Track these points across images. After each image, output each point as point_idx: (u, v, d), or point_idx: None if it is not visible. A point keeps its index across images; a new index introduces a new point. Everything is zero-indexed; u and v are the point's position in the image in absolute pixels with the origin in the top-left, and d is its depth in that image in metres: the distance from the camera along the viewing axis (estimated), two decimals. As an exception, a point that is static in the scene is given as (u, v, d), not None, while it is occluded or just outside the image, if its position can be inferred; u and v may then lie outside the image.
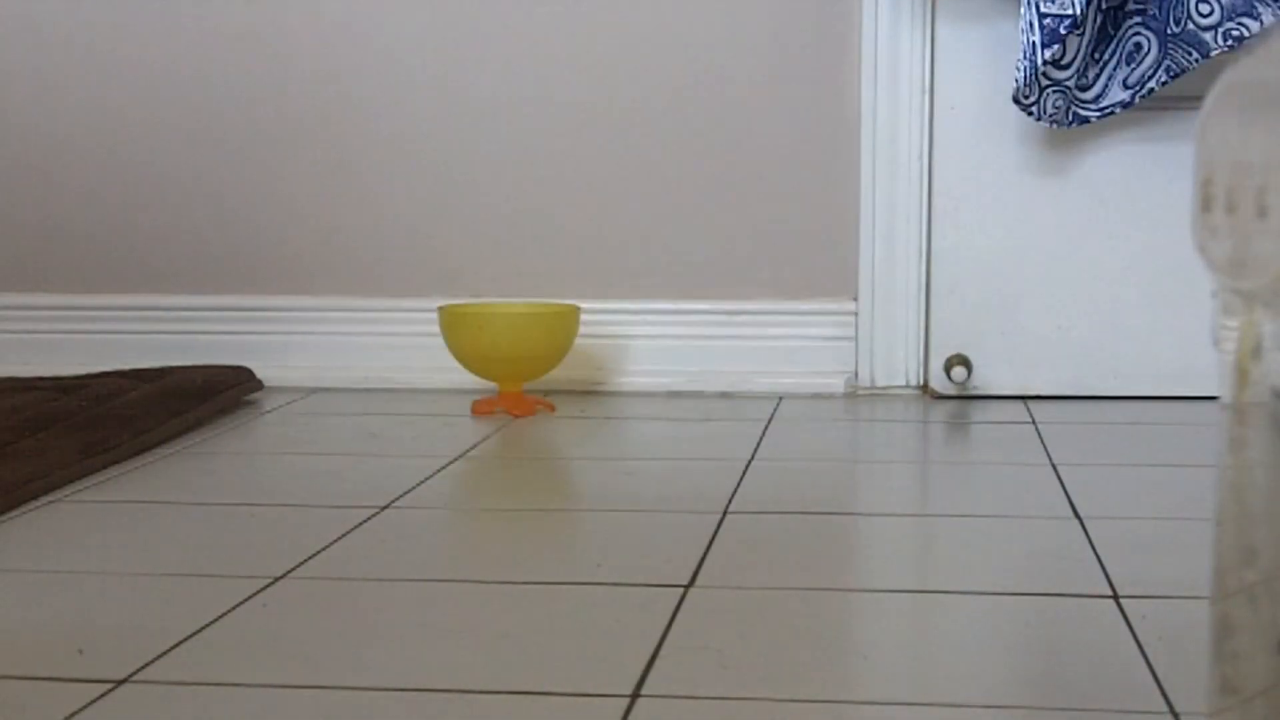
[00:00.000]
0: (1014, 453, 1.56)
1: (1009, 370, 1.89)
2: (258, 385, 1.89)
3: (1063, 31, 1.68)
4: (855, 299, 1.92)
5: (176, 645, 0.95)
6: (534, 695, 0.86)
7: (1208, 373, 1.86)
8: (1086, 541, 1.19)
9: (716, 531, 1.22)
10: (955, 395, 1.89)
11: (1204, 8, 1.68)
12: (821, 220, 1.92)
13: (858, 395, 1.91)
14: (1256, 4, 1.66)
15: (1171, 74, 1.73)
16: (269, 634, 0.97)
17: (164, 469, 1.49)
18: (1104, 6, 1.74)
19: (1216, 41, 1.68)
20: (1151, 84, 1.75)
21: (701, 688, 0.87)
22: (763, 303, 1.94)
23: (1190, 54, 1.71)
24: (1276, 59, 0.49)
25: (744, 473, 1.45)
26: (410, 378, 1.96)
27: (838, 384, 1.92)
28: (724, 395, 1.92)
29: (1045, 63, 1.70)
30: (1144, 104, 1.79)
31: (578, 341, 1.84)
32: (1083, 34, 1.73)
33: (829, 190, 1.92)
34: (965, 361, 1.88)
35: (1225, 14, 1.67)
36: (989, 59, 1.85)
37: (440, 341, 1.82)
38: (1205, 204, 0.51)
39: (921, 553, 1.21)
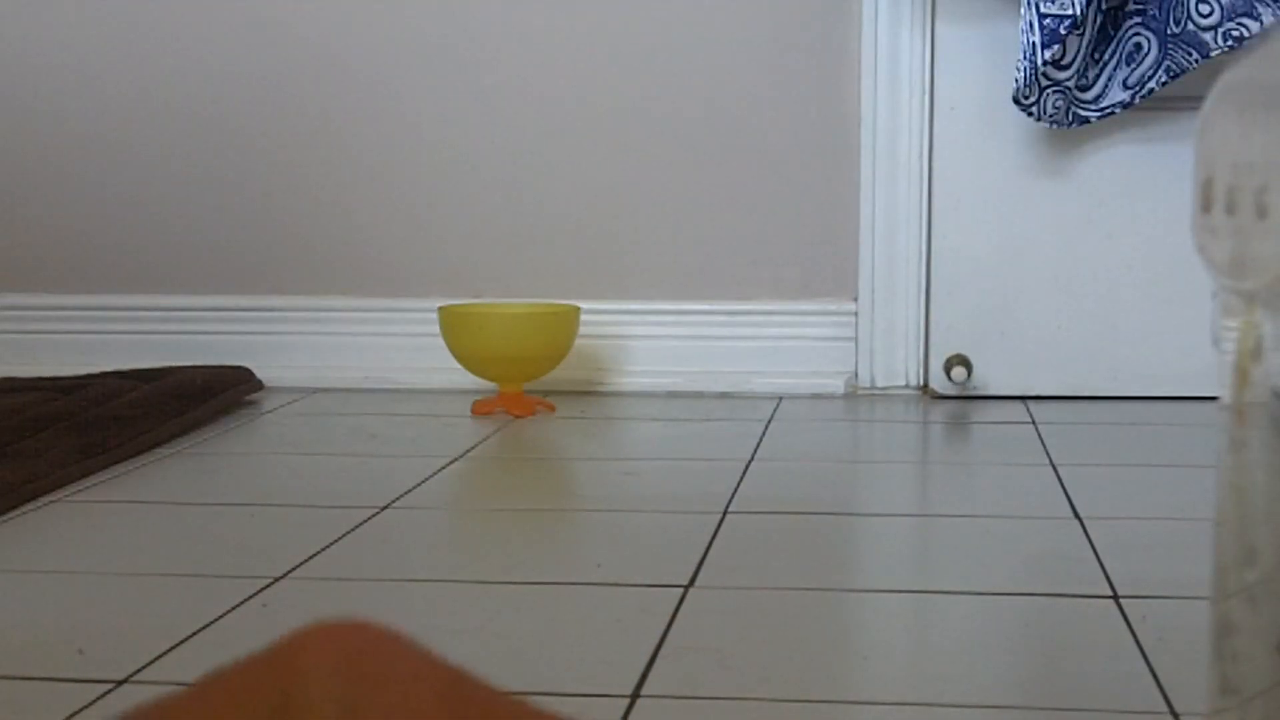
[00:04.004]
0: (1014, 453, 1.56)
1: (1009, 370, 1.89)
2: (258, 385, 1.89)
3: (1063, 32, 1.68)
4: (855, 299, 1.92)
5: (176, 645, 0.95)
6: (534, 695, 0.86)
7: (1208, 373, 1.86)
8: (1086, 541, 1.19)
9: (716, 531, 1.23)
10: (955, 395, 1.89)
11: (1204, 8, 1.68)
12: (821, 220, 1.93)
13: (858, 396, 1.91)
14: (1256, 4, 1.66)
15: (1171, 74, 1.73)
16: (269, 634, 0.97)
17: (164, 469, 1.49)
18: (1104, 7, 1.74)
19: (1216, 42, 1.68)
20: (1151, 84, 1.75)
21: (701, 688, 0.87)
22: (763, 303, 1.94)
23: (1190, 54, 1.71)
24: (1276, 59, 0.49)
25: (744, 473, 1.45)
26: (410, 378, 1.96)
27: (838, 384, 1.92)
28: (724, 395, 1.92)
29: (1045, 63, 1.70)
30: (1144, 104, 1.79)
31: (578, 341, 1.84)
32: (1083, 34, 1.73)
33: (829, 190, 1.92)
34: (965, 362, 1.88)
35: (1225, 14, 1.67)
36: (989, 59, 1.85)
37: (440, 341, 1.82)
38: (1205, 204, 0.51)
39: (921, 553, 1.21)
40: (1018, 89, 1.73)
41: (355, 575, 1.11)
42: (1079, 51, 1.74)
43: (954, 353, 1.89)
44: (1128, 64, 1.76)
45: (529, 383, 1.81)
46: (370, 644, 0.33)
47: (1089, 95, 1.78)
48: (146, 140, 2.01)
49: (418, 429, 1.70)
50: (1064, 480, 1.41)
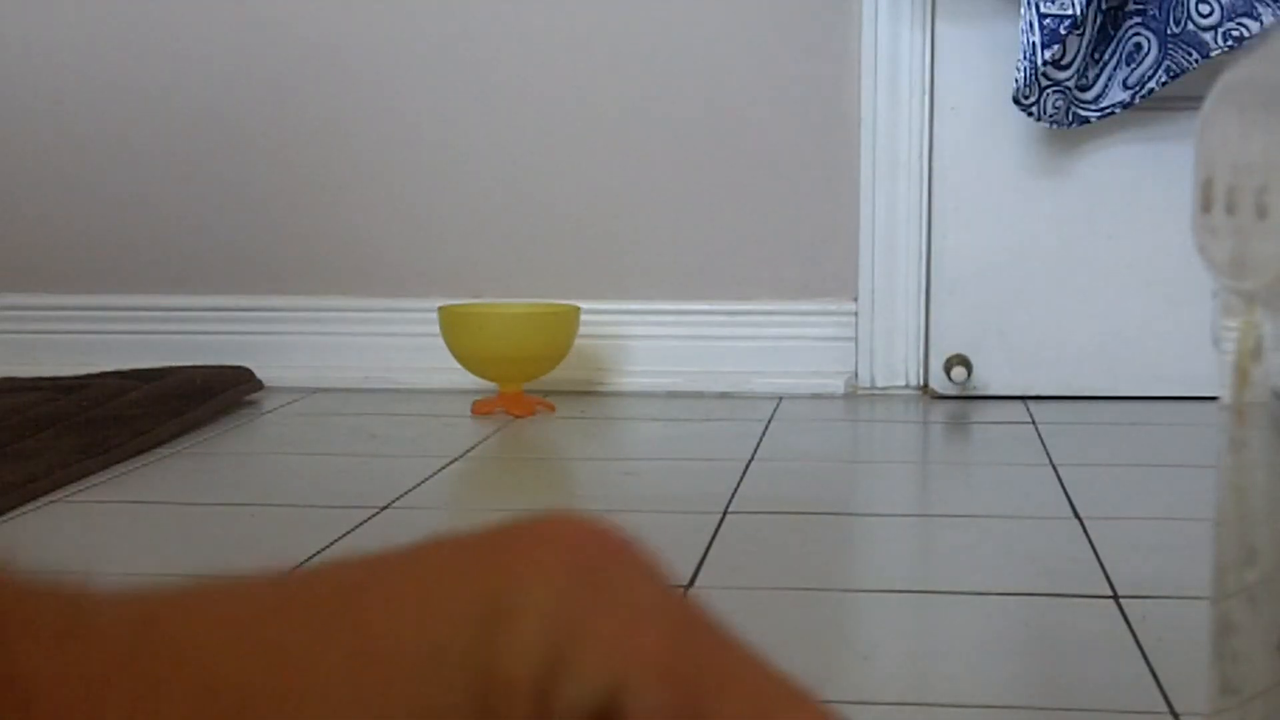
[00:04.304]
0: (1014, 453, 1.56)
1: (1009, 370, 1.89)
2: (258, 385, 1.89)
3: (1063, 32, 1.68)
4: (855, 299, 1.92)
5: (176, 645, 0.94)
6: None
7: (1208, 373, 1.85)
8: (1086, 541, 1.19)
9: (716, 531, 1.22)
10: (955, 395, 1.89)
11: (1204, 8, 1.68)
12: (821, 220, 1.92)
13: (858, 395, 1.91)
14: (1256, 4, 1.66)
15: (1171, 74, 1.73)
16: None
17: (164, 469, 1.49)
18: (1104, 7, 1.74)
19: (1216, 41, 1.68)
20: (1151, 84, 1.75)
21: (701, 688, 0.87)
22: (763, 303, 1.94)
23: (1190, 54, 1.71)
24: (1276, 59, 0.49)
25: (744, 473, 1.45)
26: (410, 378, 1.96)
27: (838, 384, 1.92)
28: (724, 395, 1.92)
29: (1045, 63, 1.70)
30: (1144, 104, 1.79)
31: (578, 341, 1.84)
32: (1083, 34, 1.73)
33: (829, 190, 1.92)
34: (965, 362, 1.88)
35: (1225, 14, 1.67)
36: (989, 59, 1.85)
37: (440, 341, 1.82)
38: (1205, 204, 0.51)
39: (921, 553, 1.21)
40: (1018, 89, 1.73)
41: (355, 575, 1.11)
42: (1079, 51, 1.74)
43: (954, 353, 1.89)
44: (1128, 64, 1.76)
45: (529, 383, 1.81)
46: (603, 555, 0.29)
47: (1089, 95, 1.78)
48: (147, 140, 2.01)
49: (418, 429, 1.70)
50: (1064, 480, 1.41)
